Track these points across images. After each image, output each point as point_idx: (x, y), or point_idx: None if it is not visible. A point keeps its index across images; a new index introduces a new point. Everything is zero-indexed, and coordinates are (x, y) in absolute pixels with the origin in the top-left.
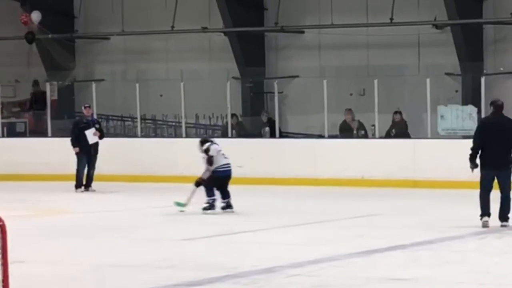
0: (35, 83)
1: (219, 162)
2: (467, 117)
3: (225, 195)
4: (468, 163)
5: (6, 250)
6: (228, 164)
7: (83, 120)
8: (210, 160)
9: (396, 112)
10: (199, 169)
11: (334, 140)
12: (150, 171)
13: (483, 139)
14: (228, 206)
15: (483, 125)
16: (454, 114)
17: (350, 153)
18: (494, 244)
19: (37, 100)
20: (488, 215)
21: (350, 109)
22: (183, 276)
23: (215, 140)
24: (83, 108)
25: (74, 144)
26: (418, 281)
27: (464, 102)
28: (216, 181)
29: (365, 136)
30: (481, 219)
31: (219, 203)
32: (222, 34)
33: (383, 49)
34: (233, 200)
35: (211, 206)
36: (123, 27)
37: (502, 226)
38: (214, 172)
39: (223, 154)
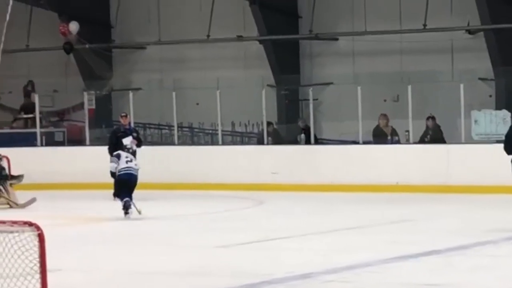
0: (26, 93)
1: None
2: (501, 122)
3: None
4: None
5: (44, 258)
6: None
7: (120, 129)
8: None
9: (429, 118)
10: (236, 176)
11: (368, 146)
12: (187, 179)
13: None
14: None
15: None
16: (488, 119)
17: (384, 158)
18: None
19: (27, 112)
20: None
21: (384, 114)
22: (218, 283)
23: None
24: (120, 117)
25: (111, 153)
26: (452, 287)
27: (498, 107)
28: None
29: (399, 141)
30: None
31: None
32: (257, 42)
33: (416, 55)
34: (268, 206)
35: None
36: (160, 36)
37: None
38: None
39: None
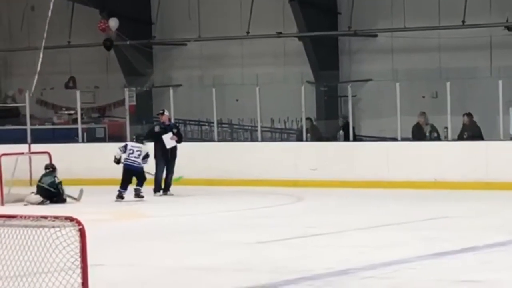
0: (5, 98)
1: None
2: None
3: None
4: None
5: (86, 254)
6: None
7: (160, 125)
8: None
9: (465, 114)
10: (275, 172)
11: (407, 142)
12: (227, 175)
13: None
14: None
15: None
16: None
17: (423, 155)
18: None
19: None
20: None
21: (424, 112)
22: (259, 278)
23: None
24: (158, 114)
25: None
26: (491, 284)
27: None
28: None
29: (438, 138)
30: None
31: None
32: (297, 38)
33: (455, 52)
34: (307, 202)
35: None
36: (200, 33)
37: None
38: None
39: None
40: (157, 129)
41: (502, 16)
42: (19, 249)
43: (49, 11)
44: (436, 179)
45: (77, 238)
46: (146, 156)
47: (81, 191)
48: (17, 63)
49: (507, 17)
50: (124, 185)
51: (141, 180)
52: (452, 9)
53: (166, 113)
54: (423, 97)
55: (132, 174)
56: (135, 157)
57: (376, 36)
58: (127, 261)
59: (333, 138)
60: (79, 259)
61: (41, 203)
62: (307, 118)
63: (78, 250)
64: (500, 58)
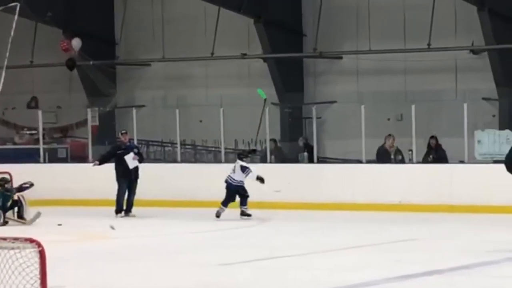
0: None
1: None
2: (504, 142)
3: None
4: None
5: (45, 275)
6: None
7: (121, 146)
8: None
9: (432, 137)
10: None
11: (372, 165)
12: (190, 196)
13: None
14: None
15: None
16: (492, 139)
17: (388, 178)
18: None
19: None
20: None
21: (391, 135)
22: None
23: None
24: (120, 134)
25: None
26: None
27: (501, 127)
28: None
29: (403, 161)
30: None
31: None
32: (261, 60)
33: (420, 75)
34: (271, 224)
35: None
36: (164, 53)
37: None
38: None
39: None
40: (123, 146)
41: (468, 40)
42: None
43: (11, 30)
44: (401, 201)
45: (37, 260)
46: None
47: (38, 214)
48: None
49: (473, 41)
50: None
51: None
52: (417, 32)
53: (127, 134)
54: (388, 119)
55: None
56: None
57: (341, 58)
58: (89, 283)
59: (296, 159)
60: (39, 281)
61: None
62: (271, 140)
63: (37, 272)
64: (465, 81)
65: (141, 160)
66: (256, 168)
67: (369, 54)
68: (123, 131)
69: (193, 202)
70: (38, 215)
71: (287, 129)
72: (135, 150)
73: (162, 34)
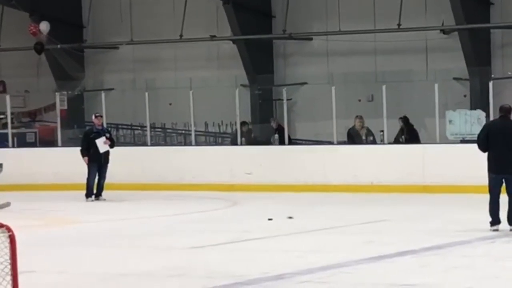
0: None
1: None
2: (475, 122)
3: None
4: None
5: (15, 260)
6: None
7: (93, 129)
8: None
9: (401, 118)
10: (210, 176)
11: (343, 146)
12: (160, 180)
13: (489, 142)
14: None
15: (487, 128)
16: (463, 118)
17: (359, 159)
18: (503, 248)
19: None
20: (498, 223)
21: (360, 116)
22: (192, 284)
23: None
24: (93, 117)
25: (83, 154)
26: (427, 287)
27: (473, 107)
28: None
29: (374, 142)
30: (491, 227)
31: None
32: (231, 42)
33: (390, 55)
34: (242, 207)
35: None
36: (132, 36)
37: (511, 230)
38: None
39: None
40: (95, 129)
41: (438, 20)
42: None
43: None
44: (373, 182)
45: (7, 245)
46: None
47: (7, 203)
48: None
49: (443, 21)
50: None
51: None
52: (387, 12)
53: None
54: (359, 100)
55: None
56: None
57: (311, 39)
58: (59, 268)
59: (268, 142)
60: (9, 266)
61: None
62: (243, 122)
63: (8, 257)
64: (436, 61)
65: (112, 145)
66: (227, 151)
67: (339, 35)
68: (97, 114)
69: (163, 185)
70: (7, 204)
71: (257, 111)
72: (107, 135)
73: (130, 17)
